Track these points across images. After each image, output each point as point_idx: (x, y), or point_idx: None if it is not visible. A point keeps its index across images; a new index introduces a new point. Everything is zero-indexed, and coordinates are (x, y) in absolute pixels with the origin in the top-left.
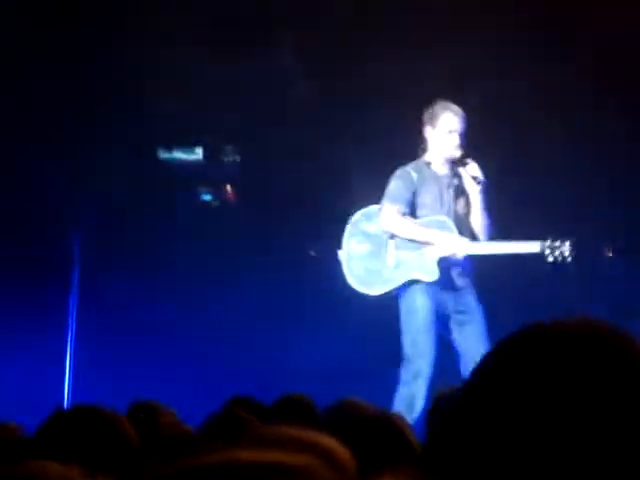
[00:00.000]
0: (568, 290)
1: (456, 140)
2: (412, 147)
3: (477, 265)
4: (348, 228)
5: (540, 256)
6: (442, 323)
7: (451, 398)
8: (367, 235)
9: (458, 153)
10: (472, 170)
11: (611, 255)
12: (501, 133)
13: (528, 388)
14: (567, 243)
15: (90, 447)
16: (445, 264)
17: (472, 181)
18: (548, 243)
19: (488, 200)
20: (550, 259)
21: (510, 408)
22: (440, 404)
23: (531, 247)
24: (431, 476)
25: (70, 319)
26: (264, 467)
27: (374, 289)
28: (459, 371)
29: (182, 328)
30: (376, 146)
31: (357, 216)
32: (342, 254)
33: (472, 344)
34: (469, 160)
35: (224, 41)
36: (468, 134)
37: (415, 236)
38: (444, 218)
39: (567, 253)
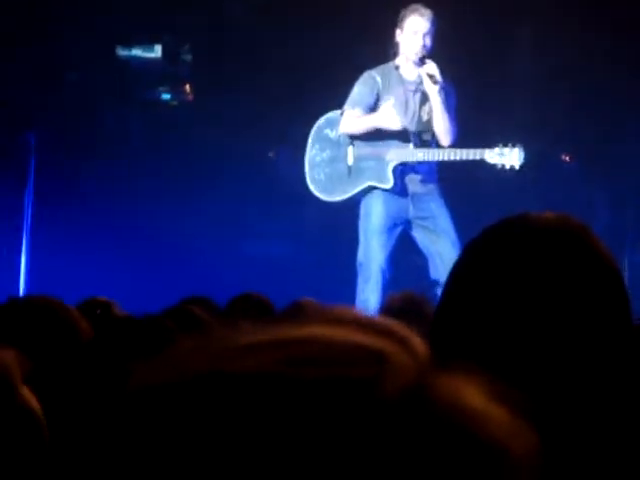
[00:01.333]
0: (529, 196)
1: (419, 41)
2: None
3: (441, 171)
4: (311, 134)
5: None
6: (405, 229)
7: (401, 299)
8: (329, 141)
9: (421, 55)
10: (429, 69)
11: (568, 160)
12: (471, 43)
13: (510, 276)
14: (516, 150)
15: (41, 338)
16: (400, 171)
17: (429, 80)
18: (497, 150)
19: (453, 104)
20: (499, 166)
21: (494, 292)
22: (390, 305)
23: (480, 154)
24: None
25: (26, 212)
26: (348, 347)
27: (334, 196)
28: (428, 273)
29: (140, 224)
30: (338, 46)
31: (320, 121)
32: (305, 160)
33: (442, 248)
34: (428, 60)
35: None
36: (438, 38)
37: (364, 126)
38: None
39: (515, 160)
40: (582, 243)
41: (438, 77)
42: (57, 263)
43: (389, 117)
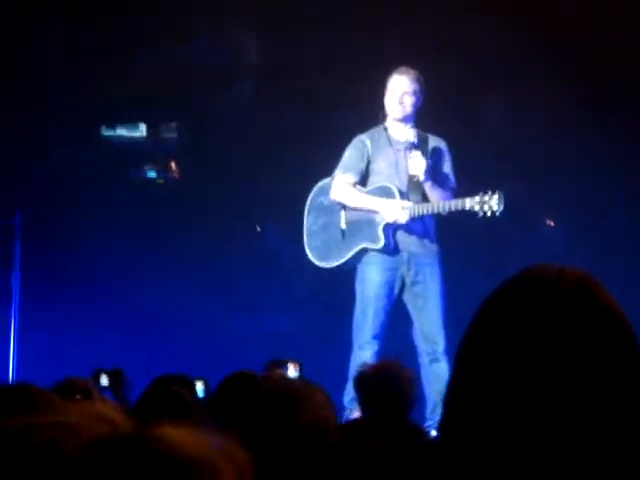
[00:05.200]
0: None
1: (398, 100)
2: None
3: (438, 229)
4: (307, 203)
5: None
6: (399, 293)
7: (373, 371)
8: (323, 208)
9: (401, 114)
10: (415, 166)
11: (552, 226)
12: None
13: (518, 334)
14: (495, 196)
15: None
16: (391, 230)
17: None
18: (477, 198)
19: (448, 164)
20: (480, 214)
21: (503, 353)
22: (361, 377)
23: (462, 204)
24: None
25: (14, 294)
26: (43, 425)
27: (330, 261)
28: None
29: (128, 301)
30: (323, 116)
31: (314, 190)
32: (304, 229)
33: (423, 317)
34: (415, 153)
35: (164, 22)
36: (425, 99)
37: (359, 204)
38: (389, 185)
39: (495, 206)
40: (598, 303)
41: (422, 175)
42: (46, 343)
43: (395, 213)
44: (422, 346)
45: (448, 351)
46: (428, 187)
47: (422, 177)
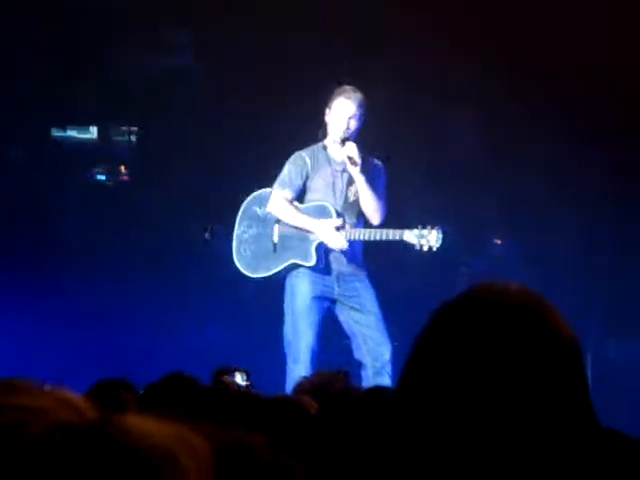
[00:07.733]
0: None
1: (344, 124)
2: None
3: (368, 253)
4: (240, 211)
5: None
6: (330, 307)
7: (310, 383)
8: (257, 218)
9: (344, 136)
10: (349, 150)
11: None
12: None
13: (463, 350)
14: (434, 231)
15: None
16: (323, 250)
17: (349, 162)
18: (416, 231)
19: (382, 183)
20: (417, 247)
21: (449, 365)
22: (302, 388)
23: (400, 234)
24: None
25: None
26: (7, 406)
27: (258, 272)
28: (351, 352)
29: (74, 304)
30: (273, 128)
31: (249, 199)
32: (233, 236)
33: (365, 329)
34: (348, 142)
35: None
36: (368, 121)
37: (295, 222)
38: (326, 204)
39: (433, 242)
40: (543, 318)
41: (357, 159)
42: None
43: (332, 237)
44: (367, 359)
45: (394, 360)
46: (362, 182)
47: (358, 160)
